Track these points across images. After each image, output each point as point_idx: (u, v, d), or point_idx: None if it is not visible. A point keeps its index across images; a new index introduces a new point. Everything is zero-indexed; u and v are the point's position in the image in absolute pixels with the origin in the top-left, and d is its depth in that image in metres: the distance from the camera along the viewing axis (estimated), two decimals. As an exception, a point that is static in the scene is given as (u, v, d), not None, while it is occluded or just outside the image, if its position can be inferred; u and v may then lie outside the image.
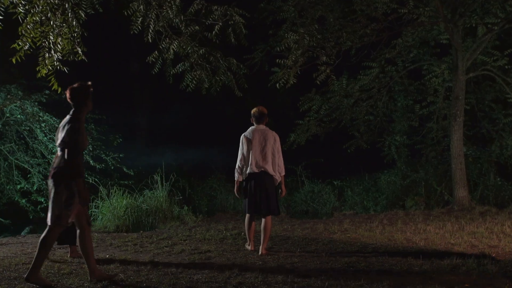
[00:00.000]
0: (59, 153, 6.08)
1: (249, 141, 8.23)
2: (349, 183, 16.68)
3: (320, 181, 16.03)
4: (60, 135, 6.08)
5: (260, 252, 8.06)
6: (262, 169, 8.11)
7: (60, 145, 6.04)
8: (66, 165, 5.94)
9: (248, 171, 8.20)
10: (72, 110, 6.23)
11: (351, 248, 8.36)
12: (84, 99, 6.24)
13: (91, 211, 12.82)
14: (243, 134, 8.37)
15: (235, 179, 8.38)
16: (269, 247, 8.48)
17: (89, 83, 6.31)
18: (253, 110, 8.37)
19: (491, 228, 9.95)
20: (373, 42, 13.41)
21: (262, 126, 8.31)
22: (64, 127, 6.09)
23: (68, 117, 6.20)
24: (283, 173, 8.36)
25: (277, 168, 8.23)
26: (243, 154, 8.30)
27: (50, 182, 6.02)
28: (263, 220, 8.19)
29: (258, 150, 8.15)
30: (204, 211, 14.44)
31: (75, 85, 6.25)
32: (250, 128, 8.38)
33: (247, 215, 8.30)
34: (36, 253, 6.11)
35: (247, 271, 6.76)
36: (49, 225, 6.06)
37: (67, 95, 6.24)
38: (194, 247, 8.81)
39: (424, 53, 15.51)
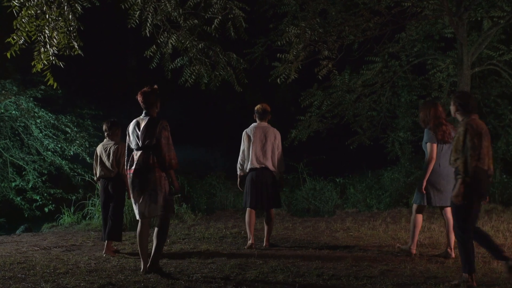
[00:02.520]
0: (139, 152, 6.68)
1: (250, 137, 8.60)
2: (352, 180, 16.66)
3: (322, 178, 16.00)
4: (142, 135, 6.66)
5: (264, 244, 8.61)
6: (263, 165, 8.52)
7: (148, 143, 6.60)
8: (160, 160, 6.58)
9: (249, 166, 8.60)
10: (145, 112, 6.82)
11: (354, 247, 8.36)
12: (155, 101, 6.84)
13: (88, 209, 12.82)
14: (245, 131, 8.73)
15: (238, 173, 8.81)
16: (270, 245, 8.63)
17: (156, 86, 6.92)
18: (257, 107, 8.76)
19: (497, 227, 9.95)
20: (376, 36, 13.36)
21: (264, 123, 8.70)
22: (147, 127, 6.65)
23: (145, 118, 6.76)
24: (283, 169, 8.77)
25: (277, 164, 8.62)
26: (243, 150, 8.68)
27: (152, 176, 6.60)
28: (266, 214, 8.67)
29: (259, 147, 8.53)
30: (203, 209, 14.42)
31: (146, 89, 6.84)
32: (252, 124, 8.76)
33: (248, 210, 8.64)
34: (155, 245, 6.68)
35: (247, 270, 6.77)
36: (166, 217, 6.72)
37: (140, 99, 6.82)
38: (193, 246, 8.82)
39: (428, 47, 15.47)
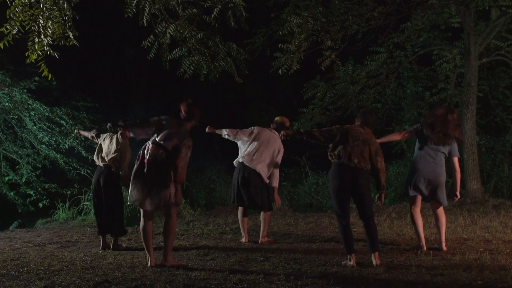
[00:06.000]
0: (153, 144, 6.82)
1: (256, 136, 8.61)
2: (356, 174, 16.63)
3: (325, 173, 16.01)
4: (166, 136, 6.79)
5: (260, 241, 8.66)
6: (251, 168, 8.54)
7: (164, 144, 6.77)
8: (172, 168, 6.76)
9: (240, 159, 8.68)
10: (184, 120, 6.95)
11: (358, 243, 8.34)
12: (196, 115, 6.97)
13: (83, 204, 12.83)
14: (257, 126, 8.78)
15: (215, 130, 8.81)
16: (267, 242, 8.70)
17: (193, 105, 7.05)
18: (277, 118, 8.89)
19: (505, 222, 9.94)
20: (381, 25, 13.34)
21: (276, 134, 8.70)
22: (176, 134, 6.81)
23: (182, 127, 6.89)
24: (276, 185, 8.79)
25: (270, 176, 8.68)
26: (240, 132, 8.66)
27: (163, 170, 6.76)
28: (261, 212, 8.70)
29: (255, 149, 8.57)
30: (202, 205, 14.45)
31: (191, 101, 7.01)
32: (267, 128, 8.80)
33: (240, 208, 8.76)
34: (167, 240, 6.87)
35: (248, 267, 6.76)
36: (174, 210, 6.90)
37: (183, 108, 6.96)
38: (192, 242, 8.81)
39: (434, 37, 15.45)
